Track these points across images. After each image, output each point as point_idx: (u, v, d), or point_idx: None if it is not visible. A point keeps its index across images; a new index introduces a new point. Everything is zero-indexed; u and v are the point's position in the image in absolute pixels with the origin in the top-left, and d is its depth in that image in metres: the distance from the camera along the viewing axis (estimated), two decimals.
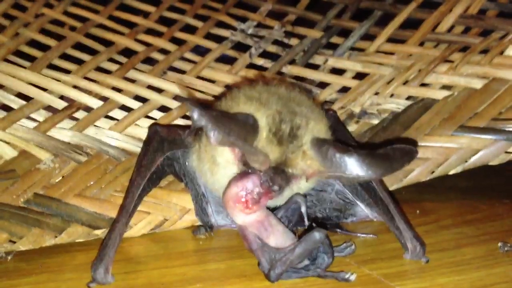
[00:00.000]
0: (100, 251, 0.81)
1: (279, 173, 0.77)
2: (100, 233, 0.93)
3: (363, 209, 0.93)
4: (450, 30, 1.14)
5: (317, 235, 0.76)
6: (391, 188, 0.96)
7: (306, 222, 0.85)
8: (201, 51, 1.19)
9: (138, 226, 0.94)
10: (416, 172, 0.98)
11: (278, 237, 0.79)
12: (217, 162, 0.83)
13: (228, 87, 1.10)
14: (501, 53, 1.05)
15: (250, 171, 0.78)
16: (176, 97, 1.08)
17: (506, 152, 0.97)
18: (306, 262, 0.80)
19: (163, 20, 1.26)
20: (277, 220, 0.82)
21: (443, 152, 0.98)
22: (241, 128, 0.73)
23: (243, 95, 0.83)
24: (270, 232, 0.80)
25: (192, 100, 0.82)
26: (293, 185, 0.80)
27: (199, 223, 0.96)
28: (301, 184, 0.82)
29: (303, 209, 0.84)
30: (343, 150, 0.74)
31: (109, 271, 0.80)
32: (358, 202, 0.93)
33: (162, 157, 0.89)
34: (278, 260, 0.77)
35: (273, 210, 0.84)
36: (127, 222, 0.85)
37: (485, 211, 0.99)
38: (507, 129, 0.97)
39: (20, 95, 1.05)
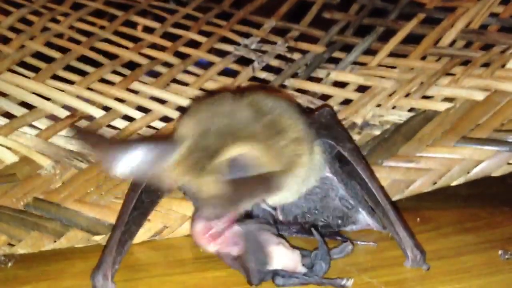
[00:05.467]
0: (98, 259, 0.81)
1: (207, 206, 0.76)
2: (100, 239, 0.93)
3: (364, 217, 0.92)
4: (451, 44, 1.14)
5: (246, 228, 0.79)
6: (393, 199, 0.96)
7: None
8: (204, 65, 1.20)
9: (138, 233, 0.94)
10: (418, 183, 0.98)
11: None
12: None
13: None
14: (503, 66, 1.05)
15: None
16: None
17: (509, 163, 0.96)
18: (305, 269, 0.80)
19: (168, 36, 1.28)
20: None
21: (445, 163, 0.98)
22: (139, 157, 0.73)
23: (187, 117, 0.80)
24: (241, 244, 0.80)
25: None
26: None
27: None
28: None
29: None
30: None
31: (108, 277, 0.80)
32: (360, 209, 0.92)
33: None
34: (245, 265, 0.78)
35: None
36: (125, 231, 0.85)
37: (486, 219, 0.98)
38: (509, 140, 0.96)
39: (24, 104, 1.05)
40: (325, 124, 0.89)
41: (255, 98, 0.81)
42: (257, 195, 0.75)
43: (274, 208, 0.91)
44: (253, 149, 0.74)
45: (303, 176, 0.83)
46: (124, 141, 0.75)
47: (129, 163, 0.72)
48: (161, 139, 0.77)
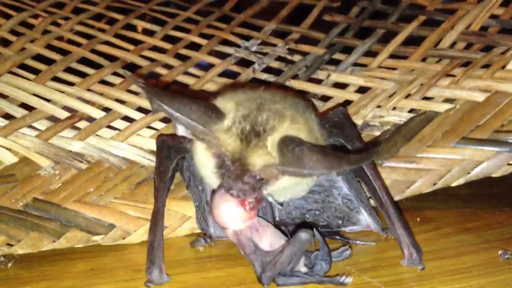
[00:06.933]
0: (149, 255, 0.82)
1: (238, 180, 0.77)
2: (99, 239, 0.93)
3: (365, 218, 0.92)
4: (452, 46, 1.14)
5: (302, 235, 0.77)
6: None
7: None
8: (205, 67, 1.20)
9: (138, 233, 0.94)
10: (418, 184, 0.98)
11: (271, 237, 0.81)
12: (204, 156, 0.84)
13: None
14: (503, 67, 1.05)
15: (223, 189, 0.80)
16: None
17: (509, 164, 0.97)
18: (305, 269, 0.80)
19: (169, 39, 1.28)
20: (265, 220, 0.84)
21: (445, 163, 0.98)
22: (190, 109, 0.76)
23: (222, 95, 0.84)
24: (262, 233, 0.81)
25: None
26: (263, 187, 0.79)
27: (198, 231, 0.96)
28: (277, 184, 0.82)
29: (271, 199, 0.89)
30: (294, 143, 0.73)
31: (163, 270, 0.81)
32: (362, 209, 0.92)
33: (173, 164, 0.90)
34: (268, 263, 0.77)
35: None
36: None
37: (486, 219, 0.99)
38: (509, 140, 0.97)
39: (25, 106, 1.05)
40: (336, 123, 0.91)
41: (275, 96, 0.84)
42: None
43: (281, 204, 0.92)
44: (299, 130, 0.78)
45: None
46: (180, 97, 0.78)
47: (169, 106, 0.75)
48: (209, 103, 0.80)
